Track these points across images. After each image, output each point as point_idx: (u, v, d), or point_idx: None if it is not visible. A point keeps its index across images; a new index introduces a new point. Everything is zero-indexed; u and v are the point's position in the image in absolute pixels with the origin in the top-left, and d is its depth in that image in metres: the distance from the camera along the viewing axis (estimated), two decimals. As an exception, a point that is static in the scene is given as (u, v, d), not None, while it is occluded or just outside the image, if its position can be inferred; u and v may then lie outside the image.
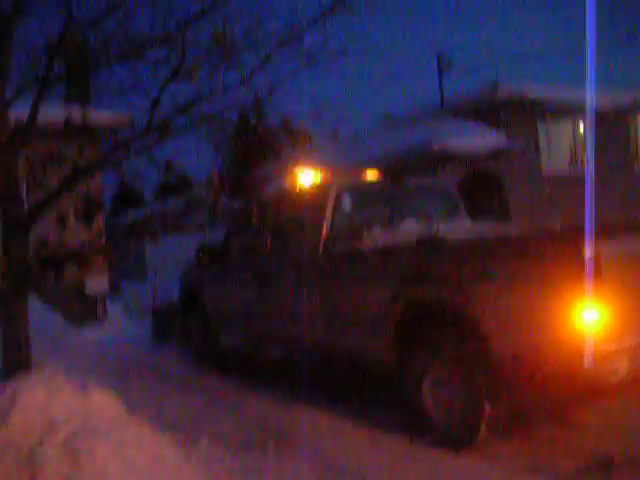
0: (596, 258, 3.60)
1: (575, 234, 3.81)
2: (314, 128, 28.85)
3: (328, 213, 5.76)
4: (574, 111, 14.19)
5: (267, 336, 6.66)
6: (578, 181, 14.41)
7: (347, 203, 5.91)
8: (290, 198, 6.57)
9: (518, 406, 4.38)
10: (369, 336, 5.10)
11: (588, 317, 3.61)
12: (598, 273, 3.59)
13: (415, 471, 4.17)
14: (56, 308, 9.40)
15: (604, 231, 3.87)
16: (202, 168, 32.19)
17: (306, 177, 6.60)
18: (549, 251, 3.90)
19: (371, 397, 5.61)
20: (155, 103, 5.22)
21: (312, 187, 6.18)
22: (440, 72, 16.25)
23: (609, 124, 14.60)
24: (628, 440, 4.25)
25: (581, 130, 14.53)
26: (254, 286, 6.58)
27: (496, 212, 13.19)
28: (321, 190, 5.98)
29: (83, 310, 10.05)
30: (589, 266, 3.60)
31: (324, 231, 5.70)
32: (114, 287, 16.28)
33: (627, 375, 3.75)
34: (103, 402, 3.98)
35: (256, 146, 34.50)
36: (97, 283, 10.07)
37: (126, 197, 34.30)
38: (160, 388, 6.63)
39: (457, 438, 4.39)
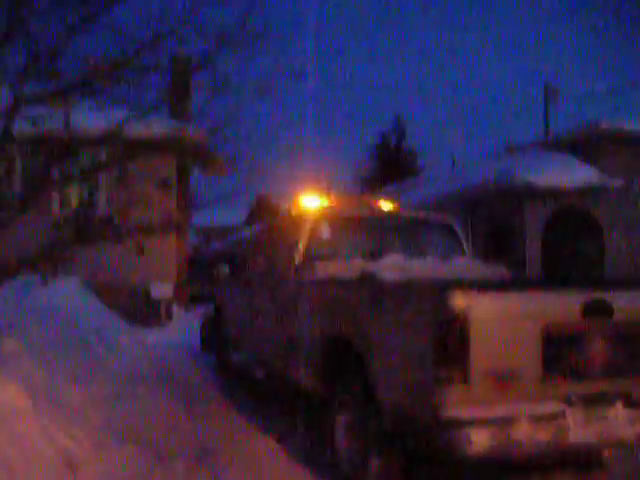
0: (462, 315, 3.30)
1: (450, 285, 3.48)
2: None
3: (301, 242, 5.76)
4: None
5: (253, 356, 6.78)
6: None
7: (324, 233, 5.87)
8: (282, 223, 6.63)
9: (417, 464, 4.09)
10: (307, 365, 5.06)
11: (444, 379, 3.29)
12: (463, 332, 3.29)
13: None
14: (119, 310, 10.18)
15: (486, 285, 3.55)
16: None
17: (308, 202, 6.64)
18: (423, 302, 3.62)
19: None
20: None
21: (296, 215, 6.21)
22: (546, 102, 15.30)
23: None
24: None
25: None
26: (247, 307, 6.75)
27: (589, 257, 12.20)
28: (299, 218, 6.00)
29: (148, 314, 10.78)
30: (452, 323, 3.32)
31: (296, 259, 5.71)
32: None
33: (489, 450, 3.28)
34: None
35: (393, 165, 35.10)
36: (162, 289, 10.77)
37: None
38: (157, 394, 6.94)
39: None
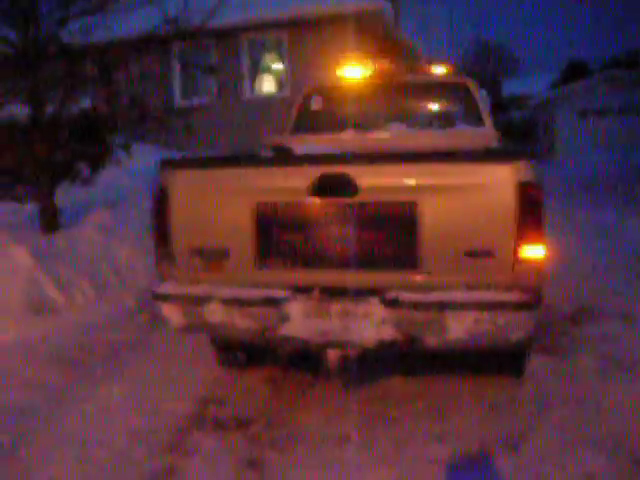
0: (165, 191, 3.17)
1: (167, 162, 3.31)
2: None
3: (292, 114, 5.61)
4: None
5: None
6: None
7: (316, 102, 5.58)
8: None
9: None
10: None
11: (158, 254, 3.28)
12: (165, 209, 3.17)
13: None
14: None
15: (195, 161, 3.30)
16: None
17: (347, 72, 6.24)
18: None
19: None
20: None
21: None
22: None
23: None
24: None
25: None
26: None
27: None
28: (301, 90, 5.77)
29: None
30: (159, 199, 3.21)
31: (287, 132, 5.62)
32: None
33: (187, 326, 3.23)
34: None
35: None
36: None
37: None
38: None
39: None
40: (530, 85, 35.37)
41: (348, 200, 2.94)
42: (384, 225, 2.94)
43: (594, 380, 3.90)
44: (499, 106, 35.36)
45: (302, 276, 3.07)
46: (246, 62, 11.91)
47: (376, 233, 2.95)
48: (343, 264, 3.01)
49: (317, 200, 2.97)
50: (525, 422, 3.36)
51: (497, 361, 3.83)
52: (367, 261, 2.98)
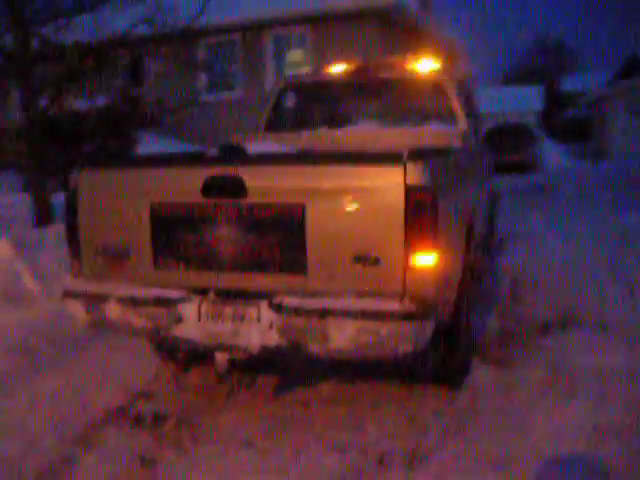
0: (73, 192, 3.25)
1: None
2: None
3: (267, 111, 5.57)
4: None
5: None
6: None
7: (289, 100, 5.54)
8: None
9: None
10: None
11: (70, 254, 3.34)
12: (72, 209, 3.26)
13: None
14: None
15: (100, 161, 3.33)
16: None
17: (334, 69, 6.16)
18: None
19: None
20: None
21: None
22: None
23: None
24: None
25: None
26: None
27: None
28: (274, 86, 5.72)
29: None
30: (70, 199, 3.27)
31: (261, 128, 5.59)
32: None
33: (91, 323, 3.29)
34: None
35: None
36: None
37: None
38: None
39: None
40: (590, 81, 34.02)
41: (238, 202, 2.90)
42: (273, 228, 2.88)
43: (534, 395, 3.70)
44: (555, 103, 34.28)
45: (197, 277, 3.05)
46: (270, 57, 11.94)
47: (266, 236, 2.90)
48: (236, 266, 2.98)
49: (208, 201, 2.94)
50: (437, 437, 3.24)
51: (435, 370, 3.70)
52: (258, 264, 2.93)
